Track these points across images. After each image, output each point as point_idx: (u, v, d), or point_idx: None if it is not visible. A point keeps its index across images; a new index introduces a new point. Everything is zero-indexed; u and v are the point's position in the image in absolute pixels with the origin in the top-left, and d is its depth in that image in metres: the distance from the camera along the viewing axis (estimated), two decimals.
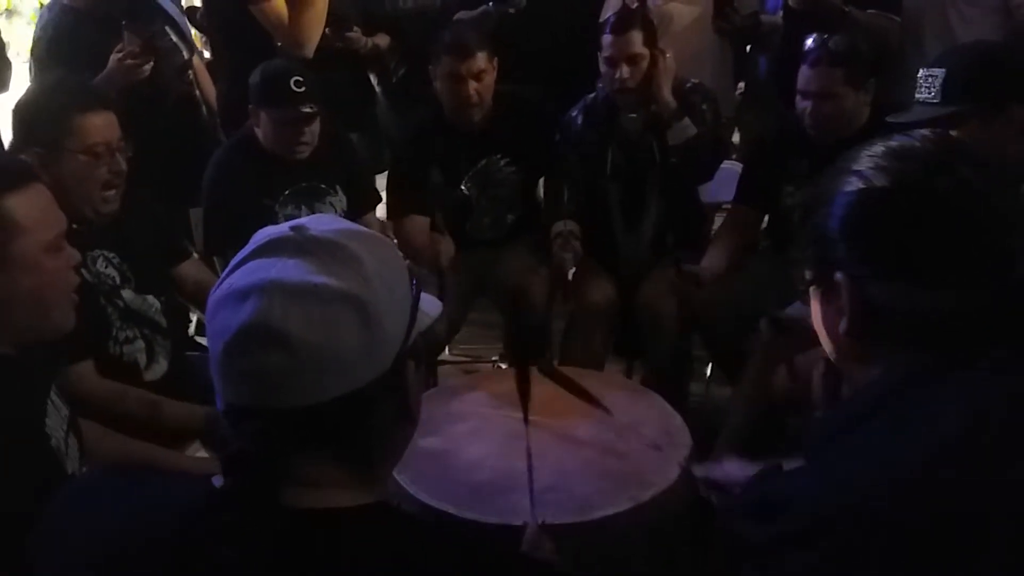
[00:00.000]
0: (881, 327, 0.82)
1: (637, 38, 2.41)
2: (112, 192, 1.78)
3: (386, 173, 3.23)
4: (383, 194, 2.77)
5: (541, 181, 2.81)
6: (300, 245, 0.76)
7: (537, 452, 1.54)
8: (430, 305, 0.85)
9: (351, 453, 0.78)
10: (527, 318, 2.55)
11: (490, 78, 2.49)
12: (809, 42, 2.28)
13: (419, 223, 2.56)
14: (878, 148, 0.84)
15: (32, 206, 1.24)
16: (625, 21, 2.44)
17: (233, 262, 0.79)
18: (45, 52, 2.71)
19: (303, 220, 0.80)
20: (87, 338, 1.72)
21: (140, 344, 1.87)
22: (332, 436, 0.77)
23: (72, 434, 1.35)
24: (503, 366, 2.86)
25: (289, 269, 0.74)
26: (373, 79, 3.30)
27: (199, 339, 2.55)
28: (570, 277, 2.55)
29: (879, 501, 0.72)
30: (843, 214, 0.82)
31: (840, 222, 0.82)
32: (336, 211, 2.45)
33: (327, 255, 0.76)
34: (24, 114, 1.77)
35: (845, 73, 2.21)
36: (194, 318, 2.69)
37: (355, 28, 2.96)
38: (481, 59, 2.45)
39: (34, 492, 1.12)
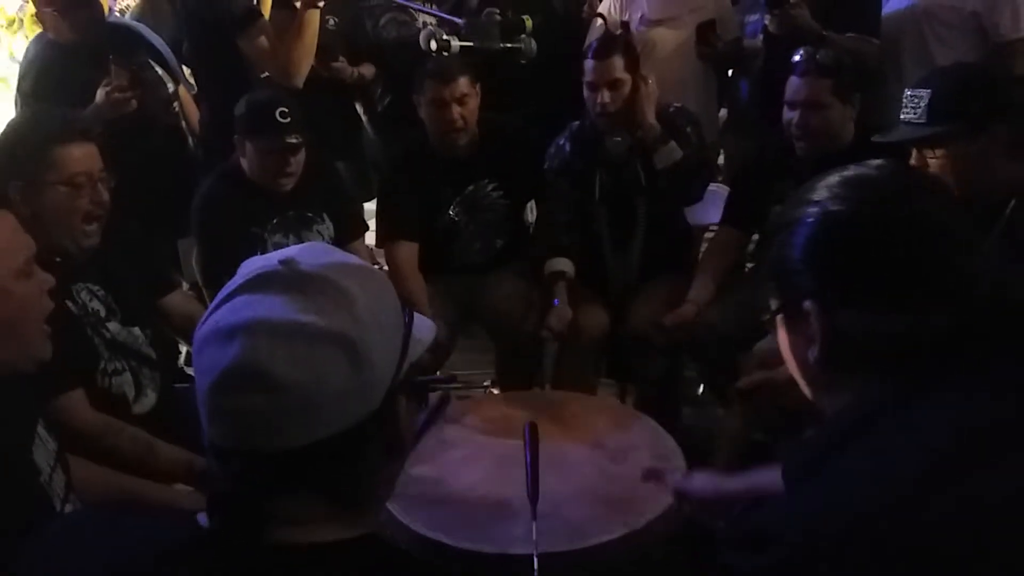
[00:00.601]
0: (851, 353, 0.82)
1: (618, 63, 2.43)
2: (93, 226, 1.77)
3: (374, 201, 3.25)
4: (371, 222, 2.77)
5: (530, 206, 2.82)
6: (289, 281, 0.74)
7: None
8: (424, 330, 0.83)
9: (338, 491, 0.76)
10: (518, 344, 2.55)
11: (474, 103, 2.51)
12: (797, 55, 2.32)
13: (407, 249, 2.56)
14: (834, 179, 0.85)
15: None
16: (607, 47, 2.47)
17: (220, 296, 0.77)
18: (31, 87, 2.72)
19: (293, 252, 0.78)
20: (74, 367, 1.70)
21: (128, 376, 1.85)
22: (320, 476, 0.75)
23: (60, 468, 1.32)
24: (495, 391, 2.85)
25: (276, 307, 0.73)
26: (359, 108, 3.32)
27: (189, 370, 2.53)
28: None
29: (869, 522, 0.72)
30: (805, 243, 0.83)
31: (802, 251, 0.83)
32: (324, 239, 2.45)
33: (316, 291, 0.74)
34: (3, 148, 1.75)
35: (833, 84, 2.24)
36: (184, 349, 2.67)
37: (341, 58, 2.98)
38: (464, 83, 2.47)
39: (22, 526, 1.10)
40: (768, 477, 1.20)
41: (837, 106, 2.26)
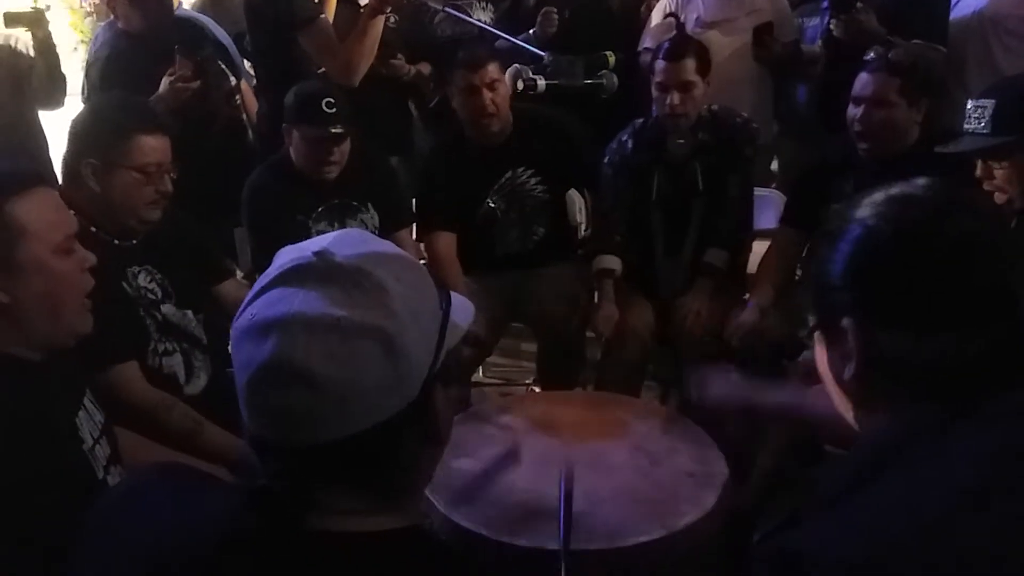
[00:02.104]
0: (888, 373, 0.81)
1: (691, 65, 2.44)
2: (155, 209, 1.84)
3: None
4: None
5: (579, 205, 2.82)
6: (323, 273, 0.74)
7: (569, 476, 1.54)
8: (462, 314, 0.82)
9: (377, 482, 0.77)
10: (562, 344, 2.56)
11: (503, 88, 2.52)
12: (870, 54, 2.29)
13: (445, 239, 2.60)
14: (879, 195, 0.84)
15: (38, 209, 1.23)
16: (680, 48, 2.48)
17: (256, 288, 0.77)
18: (99, 73, 2.81)
19: (328, 242, 0.77)
20: (126, 342, 1.76)
21: (178, 358, 1.90)
22: (358, 468, 0.75)
23: (105, 440, 1.36)
24: (536, 389, 2.86)
25: (311, 301, 0.72)
26: (411, 105, 3.36)
27: None
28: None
29: (908, 549, 0.71)
30: (846, 260, 0.82)
31: (843, 268, 0.82)
32: (368, 228, 2.49)
33: (351, 284, 0.73)
34: (83, 127, 1.83)
35: (902, 83, 2.22)
36: None
37: (399, 56, 3.02)
38: (492, 69, 2.49)
39: (66, 492, 1.14)
40: (803, 398, 1.22)
41: (903, 106, 2.23)
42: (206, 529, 0.76)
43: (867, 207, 0.83)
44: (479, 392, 2.85)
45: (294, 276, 0.74)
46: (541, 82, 2.40)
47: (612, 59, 2.47)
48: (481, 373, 3.02)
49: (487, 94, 2.48)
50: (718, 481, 1.64)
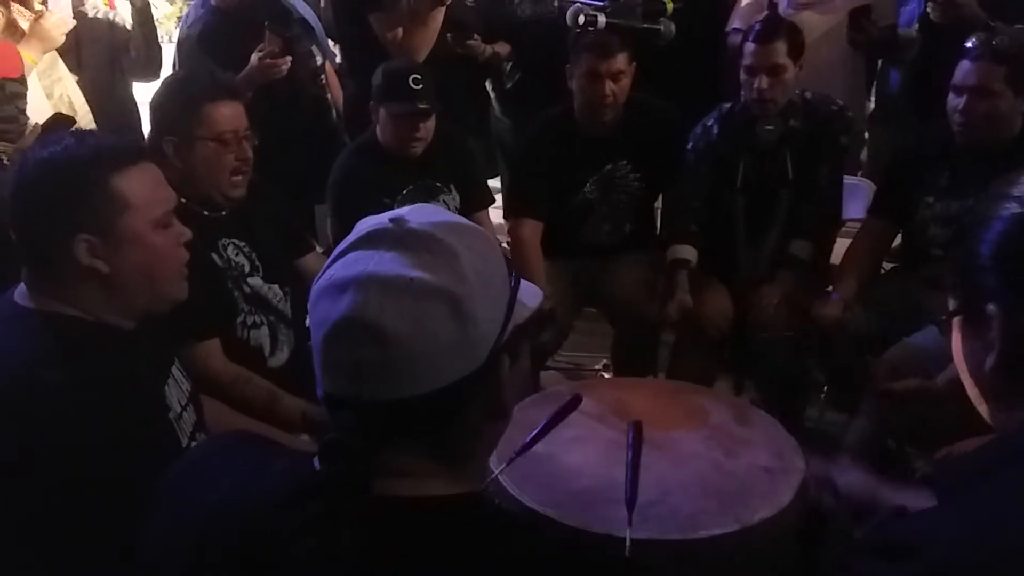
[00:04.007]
0: None
1: (781, 48, 2.35)
2: (240, 177, 1.88)
3: (497, 178, 3.27)
4: (497, 197, 2.80)
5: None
6: (398, 238, 0.77)
7: (641, 465, 1.52)
8: (530, 296, 0.84)
9: (442, 446, 0.79)
10: (637, 331, 2.53)
11: (627, 81, 2.49)
12: (971, 40, 2.18)
13: (532, 227, 2.57)
14: None
15: (140, 183, 1.26)
16: (771, 31, 2.39)
17: (335, 252, 0.80)
18: (191, 48, 2.89)
19: (403, 211, 0.80)
20: (214, 317, 1.81)
21: (265, 330, 1.95)
22: (423, 429, 0.78)
23: (191, 408, 1.40)
24: (606, 375, 2.84)
25: (386, 262, 0.75)
26: (488, 86, 3.35)
27: None
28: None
29: (1014, 560, 0.67)
30: (998, 241, 0.77)
31: (994, 249, 0.77)
32: (449, 208, 2.50)
33: (423, 249, 0.76)
34: (158, 107, 1.89)
35: (1007, 72, 2.11)
36: None
37: (476, 36, 3.02)
38: (621, 60, 2.45)
39: (151, 459, 1.18)
40: (923, 500, 1.13)
41: (1008, 96, 2.12)
42: (272, 490, 0.79)
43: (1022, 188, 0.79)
44: (549, 375, 2.84)
45: (370, 240, 0.78)
46: (601, 18, 2.35)
47: (670, 6, 2.41)
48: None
49: (609, 84, 2.45)
50: (795, 477, 1.59)
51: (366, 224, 0.80)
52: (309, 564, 0.72)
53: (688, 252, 2.49)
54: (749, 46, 2.38)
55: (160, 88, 1.97)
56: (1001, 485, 0.73)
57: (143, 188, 1.27)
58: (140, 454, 1.17)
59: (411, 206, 0.84)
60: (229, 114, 1.84)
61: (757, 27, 2.42)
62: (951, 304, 0.84)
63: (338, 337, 0.75)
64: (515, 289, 0.81)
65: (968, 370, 0.84)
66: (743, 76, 2.41)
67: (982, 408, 0.84)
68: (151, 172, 1.31)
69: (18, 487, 1.13)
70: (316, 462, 0.79)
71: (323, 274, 0.79)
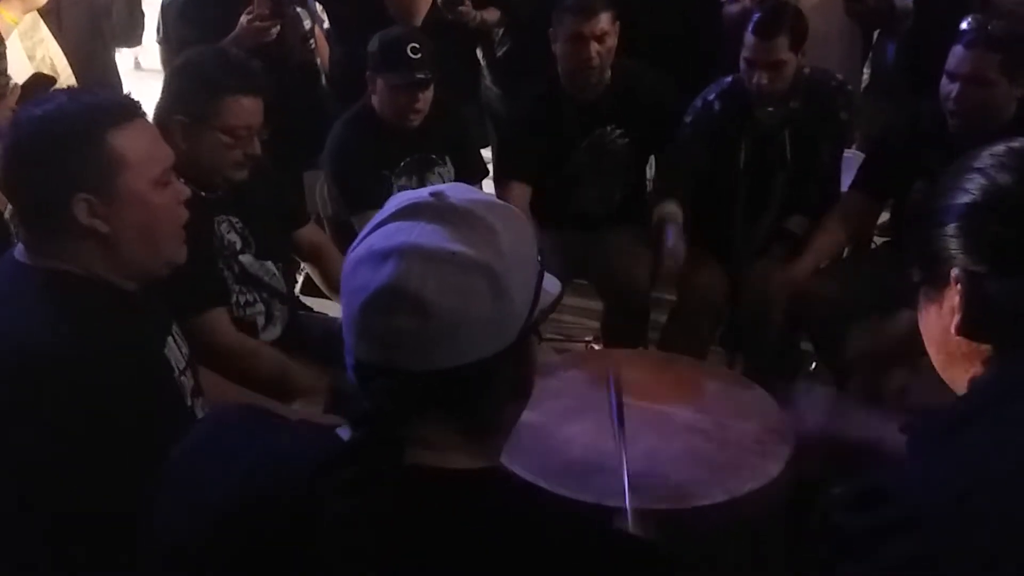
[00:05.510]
0: (996, 325, 0.82)
1: (783, 43, 2.26)
2: (241, 169, 1.83)
3: (489, 148, 3.24)
4: (490, 167, 2.78)
5: (650, 162, 2.76)
6: (439, 211, 0.78)
7: (632, 436, 1.52)
8: (551, 284, 0.85)
9: (468, 420, 0.80)
10: (627, 303, 2.52)
11: (612, 41, 2.43)
12: (966, 23, 2.14)
13: (520, 190, 2.53)
14: (1000, 148, 0.85)
15: (137, 141, 1.23)
16: (773, 24, 2.28)
17: (372, 223, 0.81)
18: (177, 11, 2.83)
19: (442, 187, 0.82)
20: (217, 287, 1.78)
21: (260, 307, 1.92)
22: (454, 402, 0.79)
23: (189, 372, 1.39)
24: (596, 347, 2.83)
25: (428, 234, 0.76)
26: (479, 53, 3.30)
27: (304, 299, 2.63)
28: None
29: (983, 493, 0.72)
30: (963, 211, 0.83)
31: (959, 218, 0.83)
32: (443, 180, 2.48)
33: (464, 224, 0.77)
34: (176, 81, 1.81)
35: (1003, 60, 2.05)
36: (299, 278, 2.78)
37: (466, 2, 2.97)
38: (604, 20, 2.40)
39: (160, 414, 1.18)
40: (888, 434, 1.17)
41: (1003, 84, 2.07)
42: (298, 459, 0.79)
43: (988, 157, 0.84)
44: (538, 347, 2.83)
45: (411, 212, 0.79)
46: None
47: None
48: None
49: (594, 46, 2.39)
50: (785, 449, 1.60)
51: (405, 197, 0.81)
52: (346, 525, 0.72)
53: (674, 208, 2.43)
54: (749, 38, 2.30)
55: (184, 62, 1.88)
56: (963, 436, 0.79)
57: (141, 145, 1.24)
58: (149, 407, 1.17)
59: (448, 184, 0.85)
60: (249, 108, 1.77)
61: (758, 17, 2.32)
62: (916, 275, 0.89)
63: (378, 305, 0.76)
64: (542, 272, 0.83)
65: (932, 337, 0.88)
66: (742, 65, 2.35)
67: (945, 375, 0.89)
68: (147, 129, 1.28)
69: (29, 437, 1.11)
70: (342, 433, 0.79)
71: (359, 244, 0.80)
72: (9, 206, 2.40)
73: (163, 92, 1.81)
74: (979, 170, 0.83)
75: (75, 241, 1.21)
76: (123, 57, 2.96)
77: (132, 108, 1.28)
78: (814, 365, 2.66)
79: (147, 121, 1.29)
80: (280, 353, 1.80)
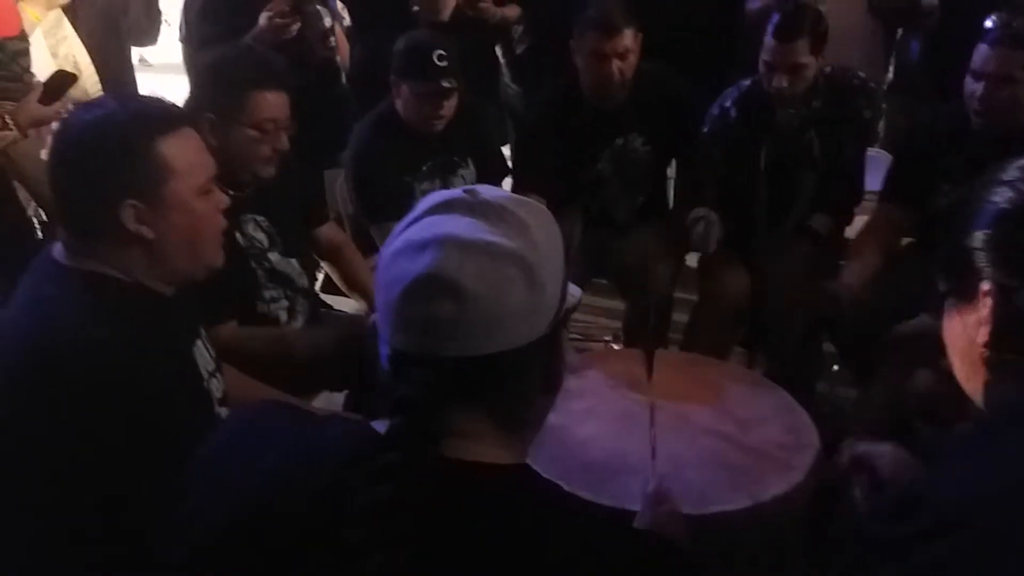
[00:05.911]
0: None
1: (803, 47, 2.23)
2: (270, 166, 1.84)
3: (508, 146, 3.23)
4: (510, 163, 2.76)
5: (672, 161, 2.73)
6: (473, 206, 0.80)
7: (655, 439, 1.51)
8: (572, 289, 0.88)
9: (503, 412, 0.81)
10: (648, 301, 2.50)
11: (635, 57, 2.39)
12: (990, 21, 2.10)
13: (538, 191, 2.51)
14: None
15: (184, 149, 1.26)
16: (793, 27, 2.24)
17: (407, 219, 0.82)
18: (199, 11, 2.84)
19: (475, 186, 0.84)
20: (234, 299, 1.79)
21: (284, 303, 1.94)
22: (489, 392, 0.80)
23: (217, 376, 1.40)
24: (616, 347, 2.82)
25: (464, 226, 0.78)
26: (498, 51, 3.29)
27: (324, 296, 2.63)
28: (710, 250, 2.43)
29: (1020, 496, 0.72)
30: (992, 224, 0.83)
31: (989, 232, 0.83)
32: (466, 183, 2.46)
33: (498, 218, 0.79)
34: (203, 79, 1.84)
35: None
36: (320, 275, 2.78)
37: None
38: (628, 37, 2.36)
39: (190, 418, 1.18)
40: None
41: None
42: (332, 450, 0.80)
43: (1016, 170, 0.84)
44: None
45: (446, 207, 0.81)
46: None
47: None
48: None
49: (616, 63, 2.35)
50: (808, 453, 1.58)
51: (439, 195, 0.83)
52: (378, 513, 0.72)
53: (710, 212, 2.39)
54: (769, 40, 2.27)
55: (210, 60, 1.90)
56: (994, 448, 0.79)
57: (187, 154, 1.26)
58: (181, 413, 1.18)
59: (479, 185, 0.87)
60: (275, 103, 1.79)
61: (778, 20, 2.27)
62: (943, 285, 0.89)
63: (417, 292, 0.77)
64: (568, 271, 0.84)
65: (957, 347, 0.89)
66: (761, 68, 2.31)
67: (968, 386, 0.89)
68: (193, 138, 1.30)
69: (61, 436, 1.13)
70: (377, 426, 0.80)
71: (396, 238, 0.81)
72: (32, 203, 2.43)
73: (190, 91, 1.82)
74: (1008, 183, 0.83)
75: (120, 246, 1.23)
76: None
77: (179, 116, 1.30)
78: (836, 367, 2.63)
79: (192, 129, 1.30)
80: (271, 328, 1.82)
